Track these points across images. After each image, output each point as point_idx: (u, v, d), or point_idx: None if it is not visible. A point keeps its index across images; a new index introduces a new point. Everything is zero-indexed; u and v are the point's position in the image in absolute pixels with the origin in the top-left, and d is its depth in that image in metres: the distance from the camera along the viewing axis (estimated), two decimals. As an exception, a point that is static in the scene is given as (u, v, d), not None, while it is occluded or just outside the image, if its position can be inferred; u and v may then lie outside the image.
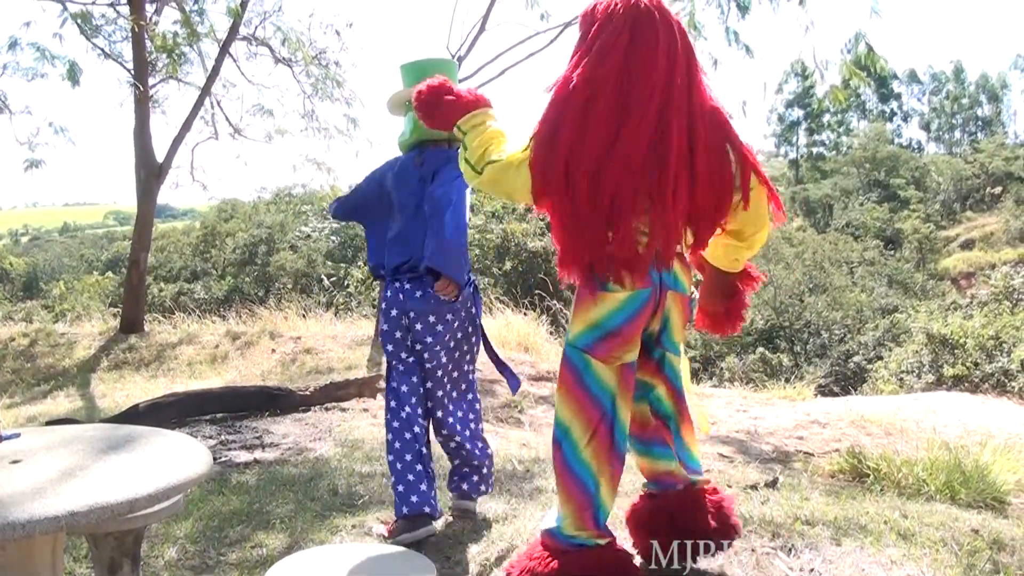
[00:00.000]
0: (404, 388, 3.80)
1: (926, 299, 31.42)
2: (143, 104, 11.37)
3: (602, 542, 2.88)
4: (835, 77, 8.68)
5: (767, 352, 25.42)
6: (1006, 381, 13.61)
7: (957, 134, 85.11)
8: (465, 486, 3.97)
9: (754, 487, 4.62)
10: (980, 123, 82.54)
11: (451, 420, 3.88)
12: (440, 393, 3.86)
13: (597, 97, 2.68)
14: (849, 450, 5.83)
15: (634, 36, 2.70)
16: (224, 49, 11.62)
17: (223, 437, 5.78)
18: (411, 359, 3.83)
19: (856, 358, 24.32)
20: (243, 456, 5.26)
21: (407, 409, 3.77)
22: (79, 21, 11.07)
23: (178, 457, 2.41)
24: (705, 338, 28.05)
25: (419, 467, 3.70)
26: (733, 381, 14.60)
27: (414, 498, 3.63)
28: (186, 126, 11.68)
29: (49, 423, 5.91)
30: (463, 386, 4.01)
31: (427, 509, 3.64)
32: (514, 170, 2.82)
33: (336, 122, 14.18)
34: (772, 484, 4.70)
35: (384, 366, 4.24)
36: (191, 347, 10.14)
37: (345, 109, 12.55)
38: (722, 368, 23.22)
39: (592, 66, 2.71)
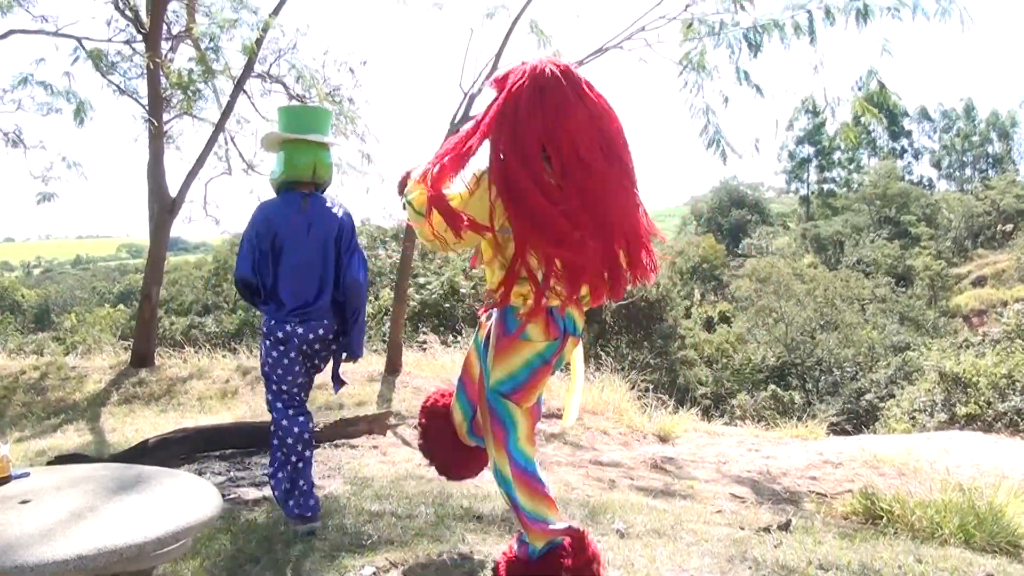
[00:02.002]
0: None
1: (938, 337, 31.32)
2: (157, 139, 11.44)
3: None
4: (846, 114, 8.67)
5: (778, 389, 25.33)
6: (1019, 420, 13.52)
7: (968, 171, 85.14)
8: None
9: (767, 529, 4.58)
10: (991, 160, 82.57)
11: None
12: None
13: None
14: (862, 491, 5.79)
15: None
16: (239, 86, 11.70)
17: (232, 474, 5.76)
18: (302, 386, 4.48)
19: (868, 396, 24.22)
20: (252, 493, 5.24)
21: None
22: (94, 58, 11.19)
23: (188, 499, 2.40)
24: (716, 376, 27.98)
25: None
26: (744, 419, 14.52)
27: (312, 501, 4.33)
28: (200, 161, 11.73)
29: (58, 458, 5.90)
30: None
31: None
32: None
33: (349, 158, 14.21)
34: (785, 527, 4.66)
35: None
36: (201, 382, 10.13)
37: (359, 145, 12.58)
38: (733, 405, 23.11)
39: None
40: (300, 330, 4.30)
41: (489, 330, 3.24)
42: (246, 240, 4.36)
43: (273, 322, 4.30)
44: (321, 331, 4.37)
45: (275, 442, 4.40)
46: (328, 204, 4.44)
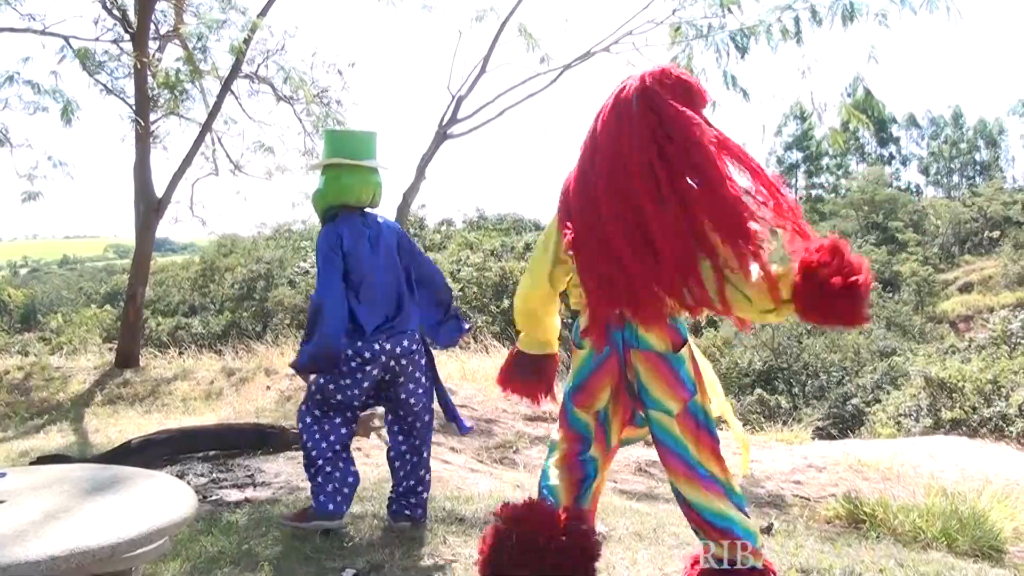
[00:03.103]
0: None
1: (924, 342, 31.44)
2: (144, 139, 11.41)
3: None
4: (834, 119, 8.72)
5: (765, 394, 25.36)
6: (1004, 426, 13.57)
7: (955, 178, 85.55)
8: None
9: (749, 533, 4.57)
10: (978, 167, 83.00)
11: None
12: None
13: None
14: (846, 495, 5.80)
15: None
16: (226, 86, 11.68)
17: (215, 475, 5.73)
18: (360, 404, 4.39)
19: (854, 400, 24.24)
20: (234, 495, 5.22)
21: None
22: (81, 58, 11.15)
23: (163, 500, 2.39)
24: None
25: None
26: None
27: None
28: (187, 162, 11.71)
29: (40, 459, 5.87)
30: None
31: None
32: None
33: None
34: (767, 530, 4.66)
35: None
36: (186, 383, 10.10)
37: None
38: (719, 410, 23.11)
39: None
40: (388, 346, 4.24)
41: None
42: (328, 265, 4.20)
43: (360, 344, 4.20)
44: (405, 343, 4.32)
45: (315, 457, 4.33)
46: (379, 219, 4.45)
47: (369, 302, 4.24)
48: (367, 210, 4.42)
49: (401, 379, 4.38)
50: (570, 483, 3.07)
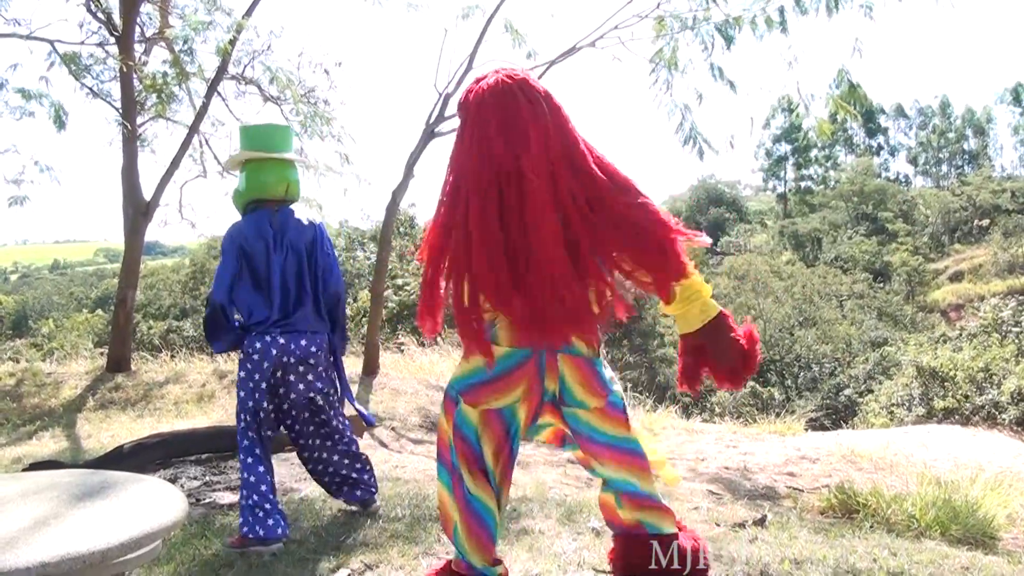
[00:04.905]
0: (270, 433, 4.38)
1: (916, 331, 31.56)
2: (131, 143, 11.36)
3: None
4: (821, 111, 8.73)
5: (758, 386, 25.43)
6: (997, 413, 13.63)
7: (944, 168, 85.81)
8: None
9: (742, 525, 4.58)
10: (967, 156, 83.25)
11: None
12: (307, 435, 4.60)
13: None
14: (839, 486, 5.81)
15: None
16: (212, 88, 11.64)
17: (208, 478, 5.73)
18: (272, 407, 4.35)
19: (847, 391, 24.34)
20: (227, 497, 5.21)
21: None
22: (67, 61, 11.12)
23: (152, 504, 2.38)
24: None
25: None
26: (724, 416, 14.57)
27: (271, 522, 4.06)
28: (174, 164, 11.67)
29: (32, 465, 5.86)
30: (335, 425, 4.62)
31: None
32: None
33: (326, 159, 14.17)
34: (760, 522, 4.67)
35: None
36: (178, 386, 10.07)
37: (335, 146, 12.57)
38: (712, 403, 23.19)
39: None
40: (281, 340, 4.20)
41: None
42: (221, 266, 4.25)
43: (254, 334, 4.20)
44: (303, 342, 4.27)
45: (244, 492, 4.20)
46: (297, 216, 4.40)
47: (265, 297, 4.23)
48: (291, 206, 4.44)
49: (291, 377, 4.32)
50: (477, 543, 2.79)
